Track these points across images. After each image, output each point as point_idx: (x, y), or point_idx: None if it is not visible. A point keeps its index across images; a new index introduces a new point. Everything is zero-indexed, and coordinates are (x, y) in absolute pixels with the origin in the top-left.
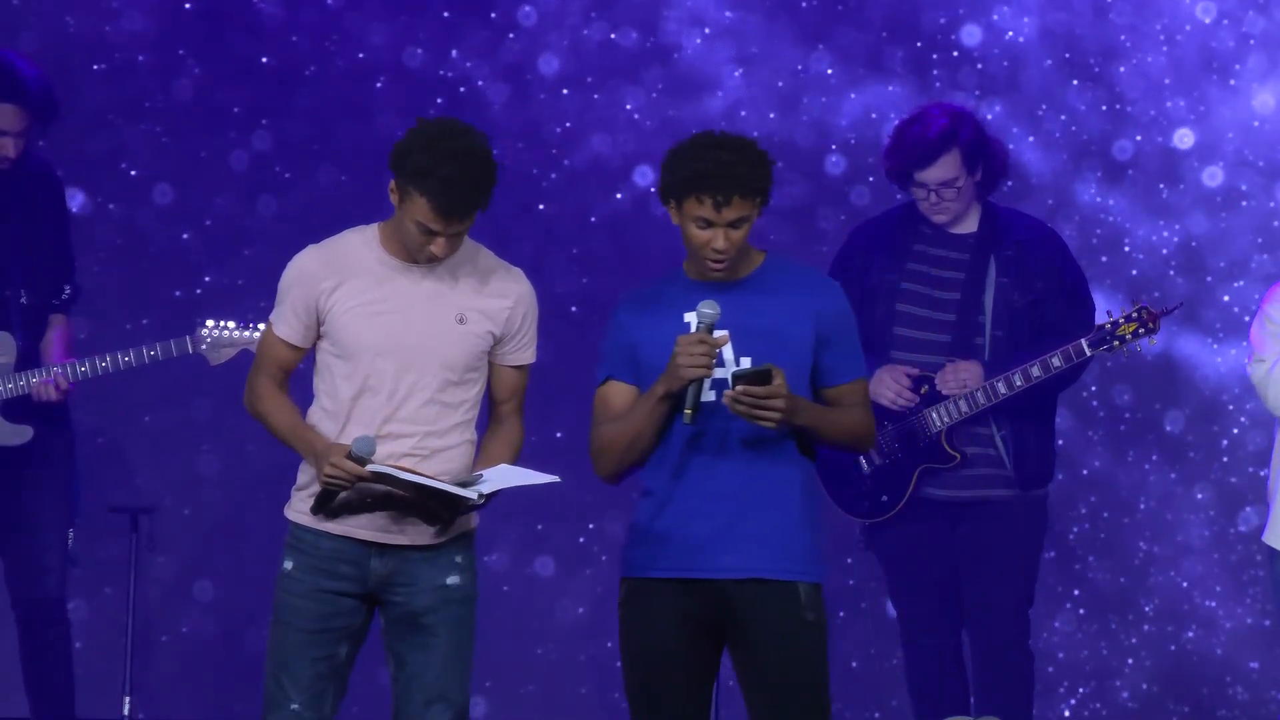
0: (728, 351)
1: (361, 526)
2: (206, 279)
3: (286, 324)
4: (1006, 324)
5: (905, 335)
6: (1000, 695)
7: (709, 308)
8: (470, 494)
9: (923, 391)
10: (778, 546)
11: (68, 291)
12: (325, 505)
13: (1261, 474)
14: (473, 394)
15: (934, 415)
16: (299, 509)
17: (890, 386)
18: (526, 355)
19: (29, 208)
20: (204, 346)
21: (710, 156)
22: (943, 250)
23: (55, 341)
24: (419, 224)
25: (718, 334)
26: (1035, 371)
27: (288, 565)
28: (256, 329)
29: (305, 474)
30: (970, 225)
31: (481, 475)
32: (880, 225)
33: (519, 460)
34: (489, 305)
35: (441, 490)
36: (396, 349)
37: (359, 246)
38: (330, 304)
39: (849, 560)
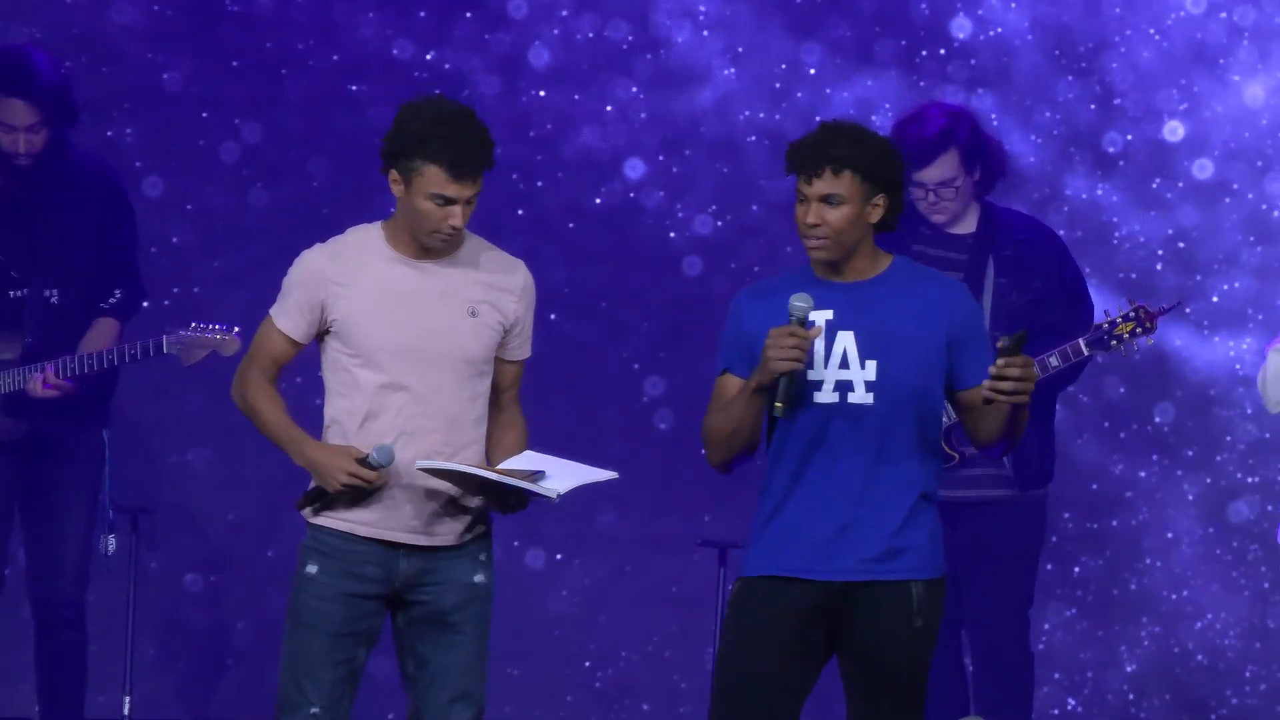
0: (851, 350)
1: (391, 529)
2: (196, 272)
3: (291, 319)
4: (1005, 324)
5: None
6: (1000, 695)
7: (801, 300)
8: (549, 493)
9: None
10: (891, 547)
11: (118, 295)
12: (314, 501)
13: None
14: (486, 386)
15: None
16: (320, 512)
17: None
18: (525, 350)
19: (72, 206)
20: (177, 348)
21: (811, 137)
22: (941, 250)
23: (86, 343)
24: (433, 196)
25: (811, 328)
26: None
27: (312, 569)
28: (227, 332)
29: None
30: (969, 225)
31: (544, 473)
32: None
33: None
34: (497, 298)
35: (514, 487)
36: (415, 348)
37: (367, 246)
38: (341, 305)
39: None
